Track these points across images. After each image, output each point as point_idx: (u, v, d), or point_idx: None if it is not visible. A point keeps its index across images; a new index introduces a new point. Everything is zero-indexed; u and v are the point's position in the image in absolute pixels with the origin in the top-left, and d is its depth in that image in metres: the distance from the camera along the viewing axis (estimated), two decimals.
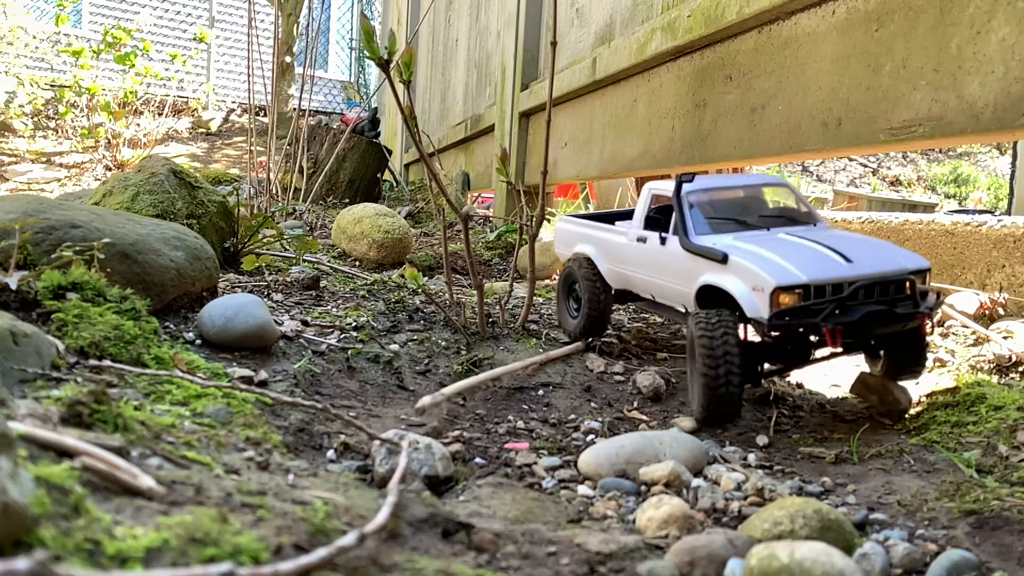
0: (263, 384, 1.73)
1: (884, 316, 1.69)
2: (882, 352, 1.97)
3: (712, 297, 1.86)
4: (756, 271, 1.72)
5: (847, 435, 1.79)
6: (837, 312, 1.67)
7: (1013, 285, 2.70)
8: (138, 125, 10.00)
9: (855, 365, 2.18)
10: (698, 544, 1.11)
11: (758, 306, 1.71)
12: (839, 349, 1.83)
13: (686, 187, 2.03)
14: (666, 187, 2.11)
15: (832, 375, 2.31)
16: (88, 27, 12.90)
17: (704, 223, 1.97)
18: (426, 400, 1.78)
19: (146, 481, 0.94)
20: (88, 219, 1.86)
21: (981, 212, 7.96)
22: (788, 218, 2.04)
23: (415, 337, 2.25)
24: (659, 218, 2.14)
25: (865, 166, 15.31)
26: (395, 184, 7.42)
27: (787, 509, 1.20)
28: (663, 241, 2.04)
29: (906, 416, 1.89)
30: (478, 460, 1.61)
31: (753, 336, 1.85)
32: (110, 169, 9.44)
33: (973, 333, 2.41)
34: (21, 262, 1.68)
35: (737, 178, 2.22)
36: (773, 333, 1.75)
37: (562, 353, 2.25)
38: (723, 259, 1.79)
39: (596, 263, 2.35)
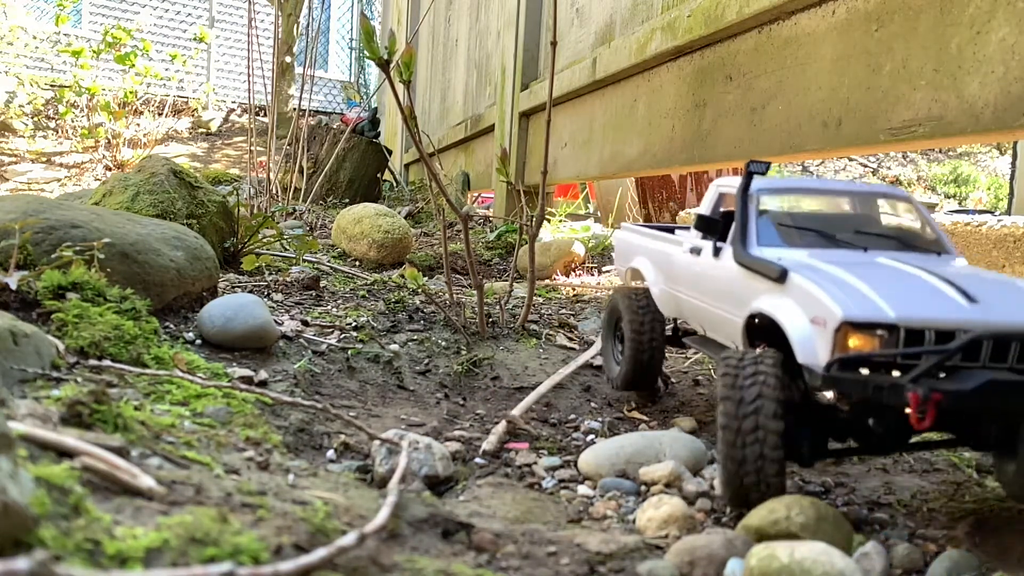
0: (263, 384, 1.73)
1: (1019, 388, 1.12)
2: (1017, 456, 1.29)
3: (769, 336, 1.38)
4: (819, 296, 1.23)
5: None
6: (941, 374, 1.14)
7: None
8: (138, 125, 10.00)
9: None
10: (698, 544, 1.11)
11: (815, 347, 1.22)
12: (932, 431, 1.21)
13: (758, 182, 1.56)
14: (760, 186, 1.60)
15: None
16: (88, 27, 12.89)
17: (773, 232, 1.49)
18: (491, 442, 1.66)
19: (146, 481, 0.94)
20: (88, 219, 1.86)
21: (981, 212, 7.95)
22: (900, 240, 1.51)
23: (415, 337, 2.25)
24: (717, 221, 1.61)
25: (865, 166, 15.31)
26: (395, 184, 7.43)
27: (787, 509, 1.20)
28: (717, 252, 1.56)
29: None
30: (478, 460, 1.61)
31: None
32: (110, 169, 9.44)
33: None
34: (21, 262, 1.68)
35: (834, 183, 1.72)
36: (833, 390, 1.24)
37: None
38: (780, 277, 1.32)
39: (650, 285, 1.86)
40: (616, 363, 2.00)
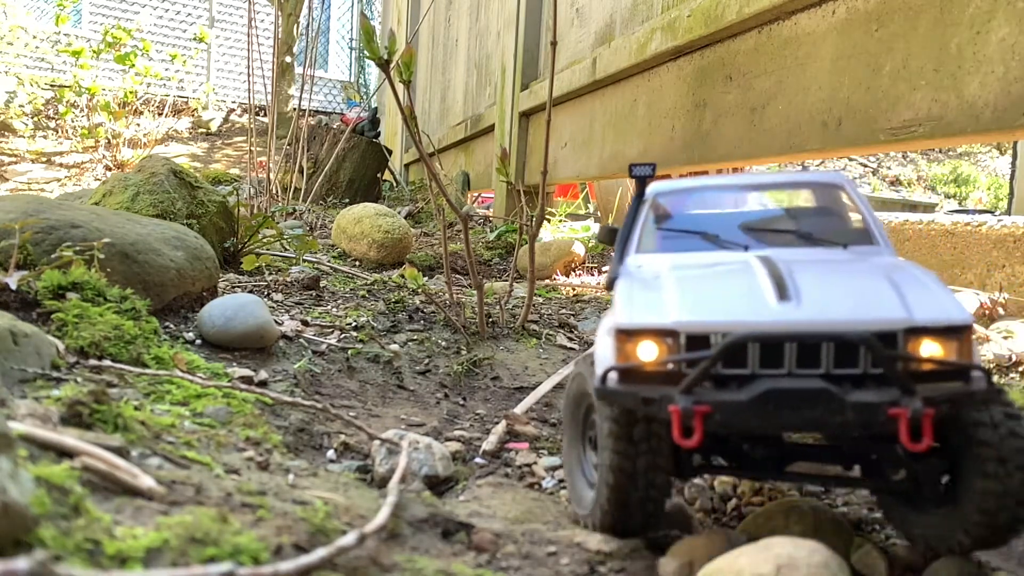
0: (263, 384, 1.73)
1: (808, 399, 0.95)
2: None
3: None
4: (617, 304, 1.11)
5: None
6: (719, 383, 1.01)
7: (1013, 285, 2.70)
8: (138, 125, 10.00)
9: None
10: (698, 544, 1.11)
11: (603, 363, 1.09)
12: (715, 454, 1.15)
13: (658, 185, 1.39)
14: (657, 190, 1.39)
15: None
16: (88, 27, 12.90)
17: (655, 237, 1.31)
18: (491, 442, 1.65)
19: (146, 481, 0.94)
20: (88, 219, 1.86)
21: (981, 212, 7.96)
22: (801, 235, 1.28)
23: (415, 337, 2.25)
24: (615, 231, 1.40)
25: (865, 166, 15.31)
26: (395, 184, 7.43)
27: (785, 508, 1.20)
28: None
29: None
30: (478, 460, 1.61)
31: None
32: (110, 169, 9.44)
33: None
34: (21, 262, 1.68)
35: (749, 177, 1.52)
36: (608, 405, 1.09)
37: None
38: (609, 285, 1.21)
39: None
40: None
